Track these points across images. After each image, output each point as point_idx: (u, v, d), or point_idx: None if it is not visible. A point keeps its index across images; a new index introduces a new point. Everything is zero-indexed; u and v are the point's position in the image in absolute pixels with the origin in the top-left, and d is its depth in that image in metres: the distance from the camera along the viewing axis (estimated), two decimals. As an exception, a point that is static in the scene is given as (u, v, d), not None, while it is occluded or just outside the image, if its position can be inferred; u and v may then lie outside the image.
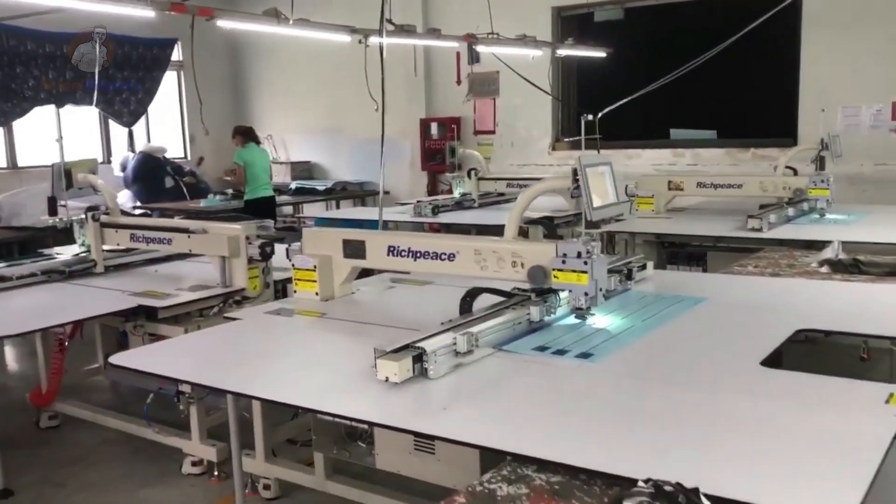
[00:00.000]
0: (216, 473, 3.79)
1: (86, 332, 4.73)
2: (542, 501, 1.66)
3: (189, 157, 11.43)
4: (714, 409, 2.07)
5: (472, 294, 2.88)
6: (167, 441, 3.92)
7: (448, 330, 2.56)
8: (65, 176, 4.58)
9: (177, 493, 3.69)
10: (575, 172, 2.80)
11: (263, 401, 2.86)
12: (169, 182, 10.33)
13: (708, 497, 1.51)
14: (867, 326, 2.84)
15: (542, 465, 1.79)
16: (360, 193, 10.28)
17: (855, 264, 3.76)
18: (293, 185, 10.32)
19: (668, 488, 1.52)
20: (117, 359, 2.78)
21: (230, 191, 9.05)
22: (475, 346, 2.53)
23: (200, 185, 10.47)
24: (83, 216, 4.43)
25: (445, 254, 3.09)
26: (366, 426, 3.05)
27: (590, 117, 3.81)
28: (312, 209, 10.39)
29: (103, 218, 4.40)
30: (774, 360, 2.54)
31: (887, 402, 1.99)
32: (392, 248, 3.25)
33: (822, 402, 2.08)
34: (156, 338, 3.70)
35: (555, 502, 1.65)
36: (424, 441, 2.82)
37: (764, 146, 8.17)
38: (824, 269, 3.78)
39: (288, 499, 3.56)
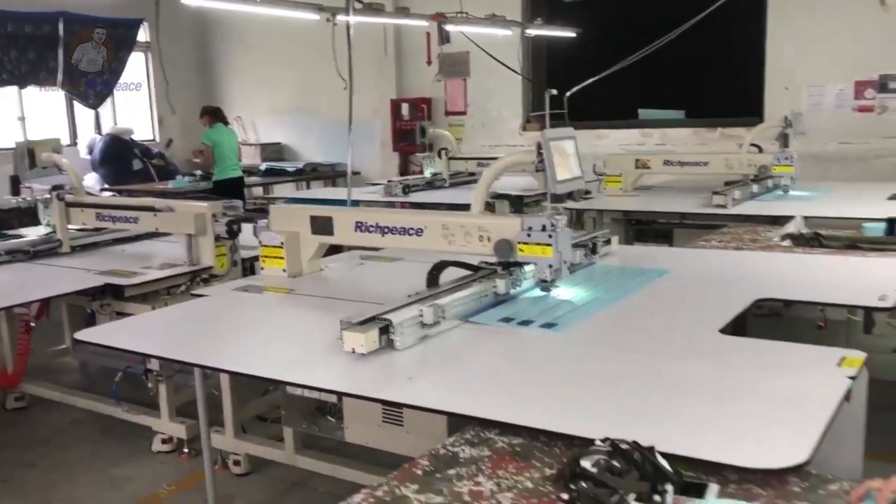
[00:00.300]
0: (186, 450, 3.80)
1: (52, 313, 4.69)
2: (504, 462, 1.69)
3: (157, 140, 11.30)
4: (672, 373, 2.13)
5: (438, 267, 2.90)
6: (136, 419, 3.92)
7: (415, 302, 2.59)
8: (28, 155, 4.52)
9: (147, 471, 3.70)
10: (539, 146, 2.83)
11: (232, 373, 2.87)
12: (137, 164, 10.22)
13: (663, 455, 1.55)
14: (825, 296, 2.91)
15: (505, 428, 1.83)
16: (331, 174, 10.24)
17: (816, 238, 3.84)
18: (263, 167, 10.25)
19: (624, 446, 1.56)
20: (84, 335, 2.77)
21: (199, 172, 8.97)
22: (442, 318, 2.56)
23: (169, 167, 10.37)
24: (48, 196, 4.38)
25: (413, 229, 3.11)
26: (334, 401, 3.08)
27: (554, 92, 3.84)
28: (282, 190, 10.33)
29: (68, 197, 4.36)
30: (738, 333, 2.60)
31: (839, 364, 2.06)
32: (360, 224, 3.26)
33: (777, 365, 2.14)
34: (123, 317, 3.68)
35: (515, 463, 1.69)
36: (392, 413, 2.86)
37: (731, 125, 8.27)
38: (786, 243, 3.86)
39: (258, 474, 3.58)
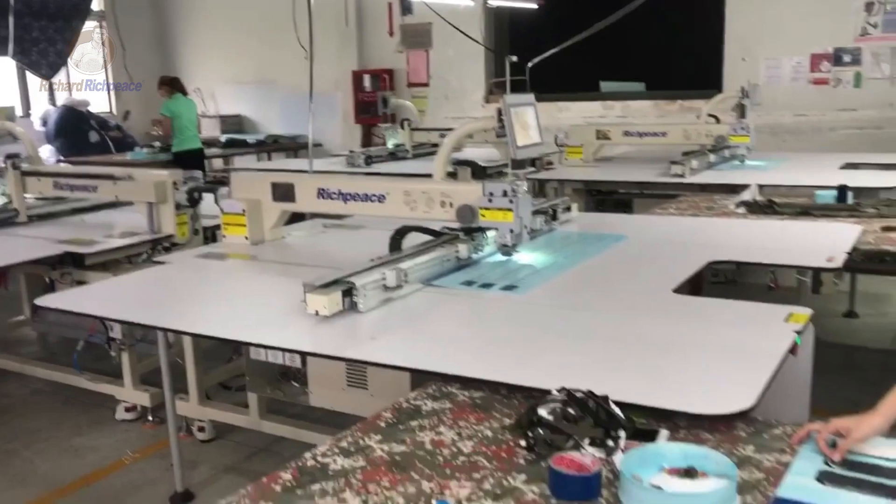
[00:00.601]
0: (150, 418, 3.80)
1: (10, 284, 4.64)
2: (465, 414, 1.75)
3: (114, 112, 11.08)
4: (626, 329, 2.20)
5: (401, 232, 2.94)
6: (99, 388, 3.90)
7: (378, 266, 2.62)
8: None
9: (111, 440, 3.69)
10: (500, 112, 2.86)
11: (196, 336, 2.89)
12: (94, 136, 10.00)
13: (616, 404, 1.61)
14: (776, 258, 3.00)
15: (466, 383, 1.88)
16: (292, 146, 10.14)
17: (770, 205, 3.95)
18: (223, 139, 10.13)
19: (579, 395, 1.62)
20: (45, 300, 2.77)
21: (157, 144, 8.83)
22: (404, 282, 2.60)
23: (127, 138, 10.17)
24: (2, 164, 4.30)
25: (375, 195, 3.14)
26: (298, 366, 3.12)
27: (514, 59, 3.86)
28: (243, 162, 10.19)
29: (24, 166, 4.29)
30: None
31: (786, 320, 2.14)
32: (322, 191, 3.27)
33: (728, 321, 2.23)
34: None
35: (476, 414, 1.74)
36: (356, 376, 2.90)
37: (690, 98, 8.37)
38: (741, 210, 3.96)
39: (223, 440, 3.60)
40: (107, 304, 2.81)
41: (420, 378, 2.00)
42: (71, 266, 3.71)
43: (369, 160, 6.52)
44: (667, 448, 1.49)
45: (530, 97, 3.02)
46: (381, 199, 3.13)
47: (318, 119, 10.02)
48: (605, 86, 9.08)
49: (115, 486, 3.27)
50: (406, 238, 2.96)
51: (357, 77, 9.97)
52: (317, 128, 6.17)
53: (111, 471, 3.40)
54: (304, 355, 2.78)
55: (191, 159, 7.77)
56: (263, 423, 3.34)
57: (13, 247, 3.86)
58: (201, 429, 3.58)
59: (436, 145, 7.06)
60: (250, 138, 10.22)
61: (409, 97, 9.40)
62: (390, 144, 7.17)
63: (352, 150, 7.10)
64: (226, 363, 3.82)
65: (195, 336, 2.90)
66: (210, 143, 9.47)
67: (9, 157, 4.33)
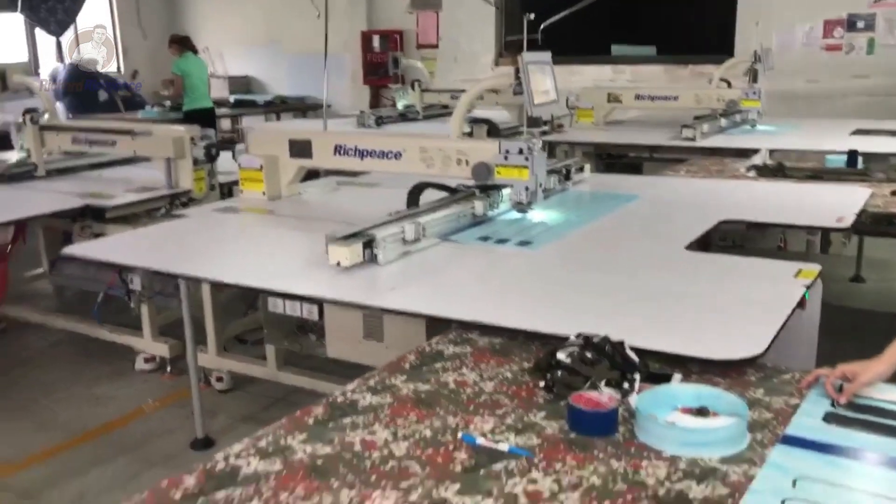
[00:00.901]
0: (168, 369, 3.89)
1: (29, 239, 4.70)
2: (485, 357, 1.82)
3: (122, 71, 11.06)
4: (640, 282, 2.27)
5: (418, 188, 2.99)
6: (119, 339, 3.99)
7: (396, 220, 2.68)
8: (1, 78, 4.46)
9: (130, 390, 3.79)
10: (517, 69, 2.90)
11: (219, 284, 2.95)
12: (103, 95, 10.01)
13: (631, 349, 1.68)
14: (786, 218, 3.06)
15: (485, 331, 1.95)
16: (301, 106, 10.16)
17: (780, 169, 3.99)
18: (231, 99, 10.13)
19: (596, 340, 1.69)
20: (71, 250, 2.84)
21: (168, 103, 8.84)
22: (422, 236, 2.66)
23: (136, 98, 10.18)
24: (21, 119, 4.34)
25: (392, 152, 3.18)
26: (315, 318, 3.19)
27: (532, 16, 3.87)
28: (251, 122, 10.23)
29: (42, 120, 4.33)
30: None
31: (796, 275, 2.20)
32: (339, 148, 3.32)
33: (739, 276, 2.29)
34: (102, 239, 3.72)
35: (496, 358, 1.81)
36: (372, 328, 2.97)
37: (702, 62, 8.34)
38: (751, 174, 4.00)
39: (240, 391, 3.69)
40: (130, 253, 2.89)
41: (436, 330, 2.07)
42: (91, 219, 3.78)
43: (380, 121, 6.54)
44: (680, 389, 1.56)
45: (547, 55, 3.05)
46: (397, 156, 3.18)
47: (328, 79, 10.01)
48: (617, 49, 9.05)
49: (135, 433, 3.37)
50: (423, 195, 3.01)
51: (366, 38, 9.94)
52: (326, 88, 6.19)
53: (131, 419, 3.50)
54: (322, 306, 2.85)
55: (201, 118, 7.77)
56: (281, 375, 3.43)
57: (33, 200, 3.92)
58: (219, 379, 3.67)
59: (446, 107, 7.08)
60: (259, 99, 10.23)
61: (418, 59, 9.38)
62: (400, 105, 7.19)
63: (362, 111, 7.11)
64: (243, 315, 3.89)
65: (219, 284, 2.95)
66: (218, 103, 9.47)
67: (27, 111, 4.37)
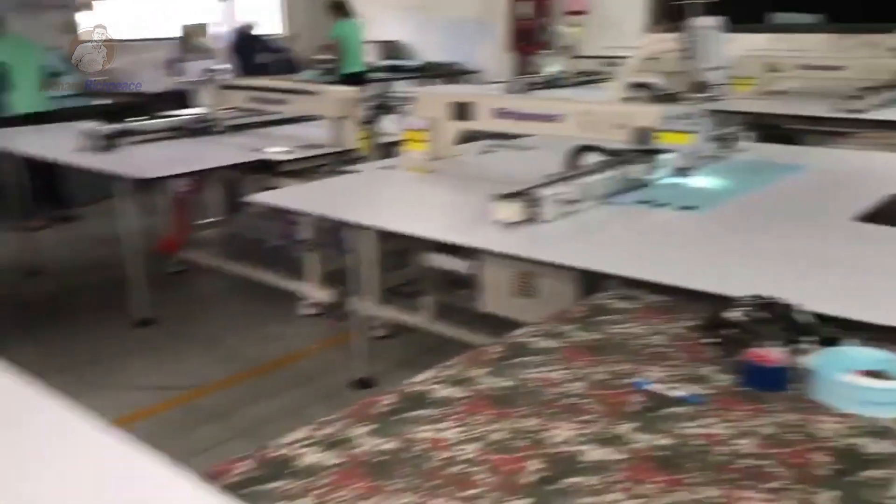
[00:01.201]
0: (330, 315, 4.17)
1: (205, 190, 5.11)
2: (652, 314, 1.89)
3: (283, 33, 11.59)
4: (809, 249, 2.25)
5: (579, 150, 3.06)
6: (286, 285, 4.31)
7: (558, 181, 2.77)
8: (184, 40, 4.84)
9: (295, 332, 4.10)
10: (681, 36, 2.89)
11: (385, 232, 3.13)
12: (262, 58, 10.55)
13: (804, 312, 1.70)
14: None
15: (651, 289, 2.01)
16: (449, 72, 10.32)
17: (958, 144, 3.77)
18: (382, 63, 10.44)
19: (768, 301, 1.72)
20: (256, 197, 3.10)
21: (324, 66, 9.23)
22: (583, 197, 2.74)
23: (293, 61, 10.66)
24: (204, 78, 4.71)
25: (553, 115, 3.26)
26: (471, 273, 3.34)
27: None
28: (401, 87, 10.50)
29: (224, 79, 4.69)
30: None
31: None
32: (500, 111, 3.43)
33: (914, 248, 2.23)
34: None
35: (663, 315, 1.88)
36: (526, 284, 3.09)
37: (871, 31, 7.84)
38: (926, 149, 3.80)
39: (396, 339, 3.90)
40: (305, 203, 3.12)
41: (592, 290, 2.14)
42: (265, 173, 4.08)
43: (530, 88, 6.58)
44: (856, 352, 1.58)
45: (715, 20, 3.02)
46: (557, 119, 3.25)
47: (474, 46, 10.08)
48: (779, 17, 8.65)
49: (303, 369, 3.67)
50: (582, 157, 3.07)
51: (514, 4, 9.93)
52: (472, 55, 6.33)
53: (298, 357, 3.80)
54: (480, 260, 2.99)
55: (355, 82, 8.06)
56: (436, 325, 3.61)
57: (213, 153, 4.27)
58: (377, 327, 3.90)
59: (597, 73, 7.03)
60: (408, 64, 10.49)
61: (566, 25, 9.31)
62: (547, 72, 7.19)
63: (512, 78, 7.18)
64: (401, 268, 4.09)
65: (387, 233, 3.12)
66: (369, 67, 9.79)
67: (207, 70, 4.73)
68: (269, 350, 3.88)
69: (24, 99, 5.96)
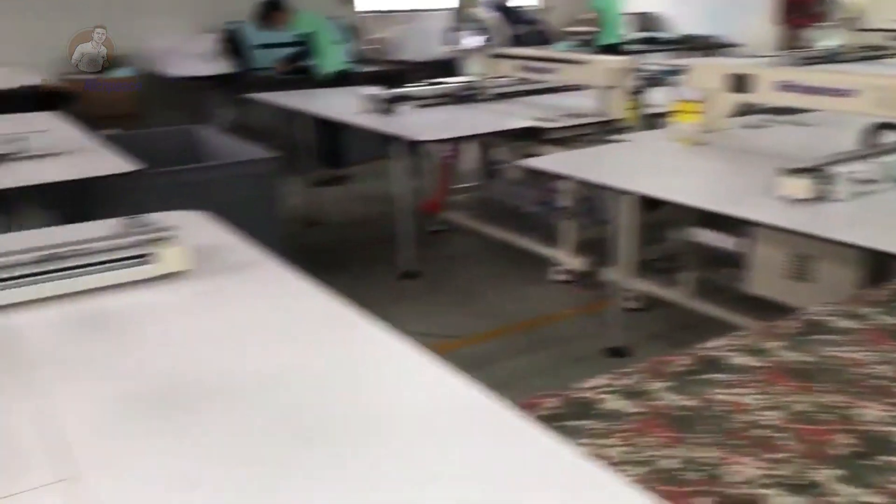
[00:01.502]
0: (580, 283, 4.24)
1: (463, 155, 5.37)
2: (970, 303, 1.75)
3: (537, 5, 11.70)
4: None
5: (878, 128, 2.85)
6: (540, 250, 4.44)
7: (852, 159, 2.61)
8: (458, 11, 5.07)
9: (547, 295, 4.22)
10: None
11: (650, 203, 3.13)
12: (516, 29, 10.73)
13: None
14: None
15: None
16: (710, 45, 9.88)
17: None
18: (638, 35, 10.21)
19: None
20: (527, 162, 3.23)
21: (579, 38, 9.22)
22: (882, 178, 2.56)
23: (545, 33, 10.75)
24: (476, 47, 4.93)
25: (845, 90, 3.05)
26: (738, 251, 3.25)
27: None
28: (654, 59, 10.22)
29: (493, 49, 4.87)
30: None
31: None
32: (783, 83, 3.26)
33: None
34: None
35: (984, 306, 1.73)
36: (802, 267, 2.95)
37: None
38: None
39: (649, 313, 3.88)
40: (573, 168, 3.20)
41: (878, 279, 2.01)
42: (528, 140, 4.20)
43: (806, 62, 6.14)
44: None
45: None
46: (850, 94, 3.03)
47: (736, 19, 9.59)
48: None
49: (557, 331, 3.79)
50: (880, 136, 2.86)
51: (789, -27, 9.26)
52: (734, 28, 5.97)
53: (552, 320, 3.92)
54: (751, 237, 2.89)
55: (611, 54, 8.00)
56: (694, 302, 3.55)
57: (481, 119, 4.47)
58: (630, 298, 3.91)
59: (883, 48, 6.41)
60: (662, 36, 10.18)
61: (847, -5, 8.52)
62: (822, 46, 6.65)
63: (782, 51, 6.74)
64: (660, 242, 4.05)
65: (655, 200, 3.10)
66: (624, 41, 9.62)
67: (483, 40, 4.93)
68: (524, 310, 4.03)
69: (330, 61, 6.67)
